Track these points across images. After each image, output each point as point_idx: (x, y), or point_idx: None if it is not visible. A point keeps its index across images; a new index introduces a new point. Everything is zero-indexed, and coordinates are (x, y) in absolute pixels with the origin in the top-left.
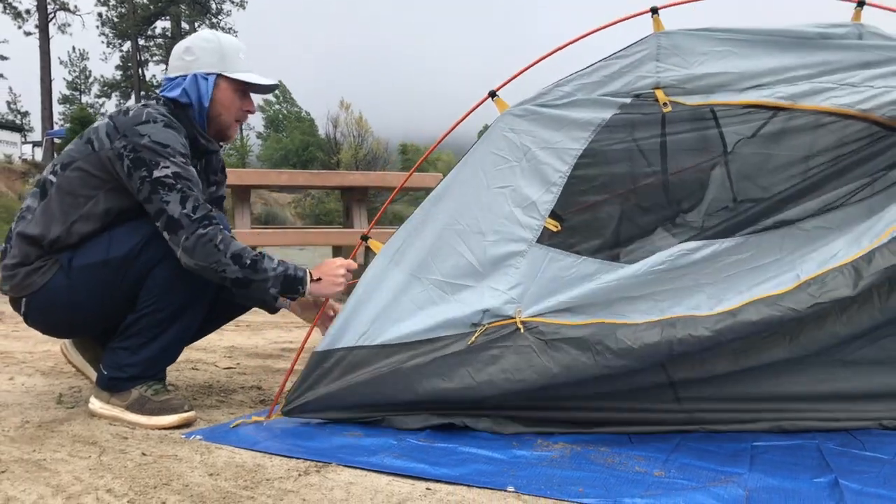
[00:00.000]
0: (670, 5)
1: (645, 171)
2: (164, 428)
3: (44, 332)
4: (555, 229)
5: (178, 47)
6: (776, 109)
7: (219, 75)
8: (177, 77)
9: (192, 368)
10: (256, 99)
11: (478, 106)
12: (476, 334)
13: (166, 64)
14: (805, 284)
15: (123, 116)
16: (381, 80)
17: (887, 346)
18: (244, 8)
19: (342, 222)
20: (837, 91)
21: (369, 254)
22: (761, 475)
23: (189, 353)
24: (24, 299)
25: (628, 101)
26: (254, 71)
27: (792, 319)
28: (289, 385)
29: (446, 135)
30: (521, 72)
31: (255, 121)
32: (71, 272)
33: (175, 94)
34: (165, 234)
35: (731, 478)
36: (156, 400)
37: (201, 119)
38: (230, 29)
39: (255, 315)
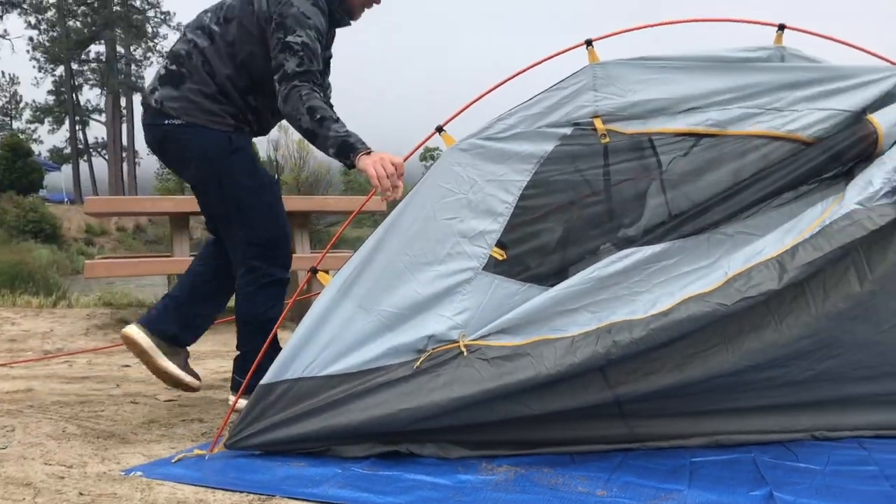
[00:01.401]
0: (604, 37)
1: (588, 200)
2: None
3: None
4: (500, 258)
5: None
6: (707, 136)
7: None
8: None
9: (132, 402)
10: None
11: (425, 141)
12: (421, 359)
13: (101, 88)
14: (732, 280)
15: None
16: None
17: (820, 360)
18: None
19: None
20: (765, 115)
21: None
22: (700, 491)
23: (128, 386)
24: None
25: (569, 131)
26: None
27: (723, 315)
28: (233, 417)
29: (410, 155)
30: (466, 107)
31: None
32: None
33: None
34: (276, 84)
35: (672, 494)
36: None
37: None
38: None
39: (198, 345)
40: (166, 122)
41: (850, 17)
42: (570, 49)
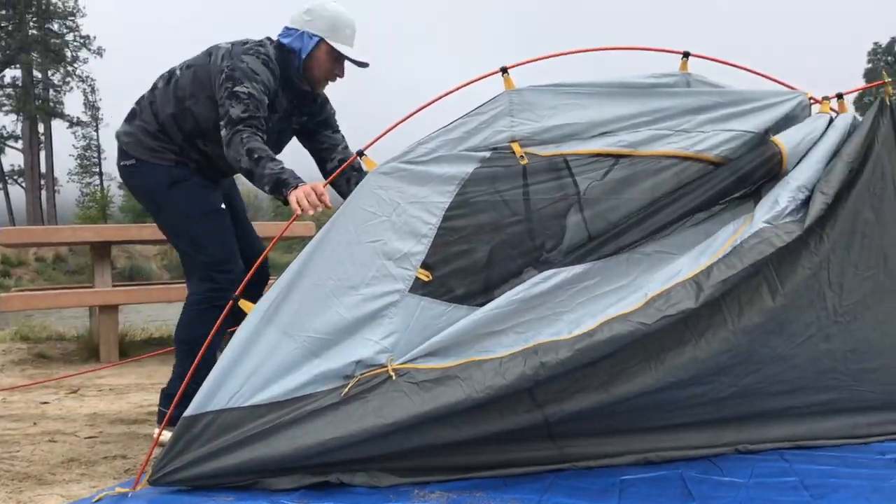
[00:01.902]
0: (518, 65)
1: (509, 220)
2: None
3: None
4: (426, 279)
5: (303, 7)
6: (620, 157)
7: (322, 39)
8: (293, 29)
9: (50, 440)
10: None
11: (346, 165)
12: (349, 385)
13: (17, 114)
14: (652, 300)
15: (240, 45)
16: None
17: (741, 375)
18: (101, 56)
19: None
20: (674, 137)
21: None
22: None
23: (46, 423)
24: None
25: (488, 154)
26: (354, 48)
27: (644, 334)
28: (157, 451)
29: (329, 181)
30: (386, 132)
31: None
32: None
33: (286, 40)
34: (222, 131)
35: None
36: None
37: (298, 65)
38: (87, 77)
39: (120, 378)
40: (122, 163)
41: (748, 48)
42: (486, 76)
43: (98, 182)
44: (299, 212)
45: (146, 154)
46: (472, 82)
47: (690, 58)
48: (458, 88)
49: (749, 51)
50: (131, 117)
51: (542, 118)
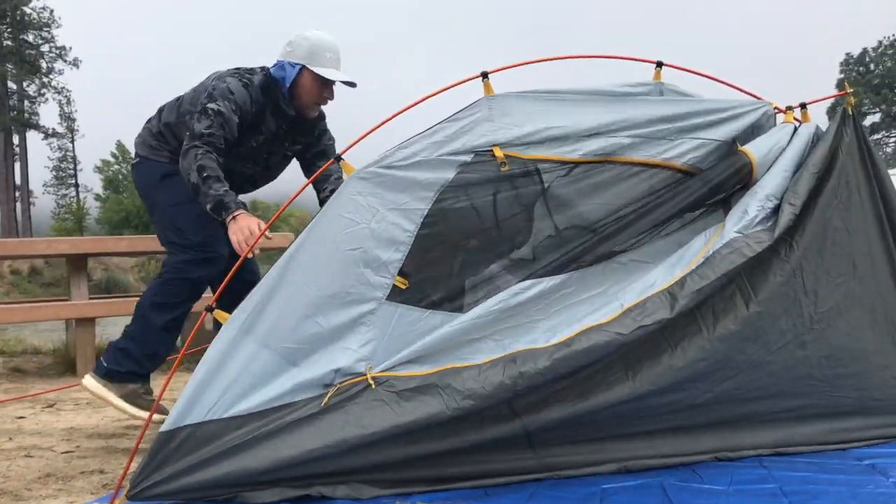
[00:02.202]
0: (499, 70)
1: (486, 226)
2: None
3: None
4: (403, 286)
5: (287, 39)
6: (595, 163)
7: (304, 66)
8: (280, 60)
9: (26, 455)
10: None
11: (322, 170)
12: (329, 395)
13: None
14: (628, 311)
15: (231, 70)
16: None
17: (717, 382)
18: (77, 67)
19: None
20: (644, 145)
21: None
22: None
23: (22, 438)
24: None
25: (468, 158)
26: (338, 67)
27: (621, 344)
28: (135, 466)
29: (295, 196)
30: (363, 137)
31: (94, 182)
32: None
33: (273, 71)
34: (184, 141)
35: None
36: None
37: (285, 94)
38: (63, 88)
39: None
40: (132, 162)
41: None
42: (466, 80)
43: (74, 194)
44: (235, 245)
45: (146, 151)
46: (452, 86)
47: (664, 67)
48: (438, 92)
49: (722, 62)
50: (146, 122)
51: (521, 123)
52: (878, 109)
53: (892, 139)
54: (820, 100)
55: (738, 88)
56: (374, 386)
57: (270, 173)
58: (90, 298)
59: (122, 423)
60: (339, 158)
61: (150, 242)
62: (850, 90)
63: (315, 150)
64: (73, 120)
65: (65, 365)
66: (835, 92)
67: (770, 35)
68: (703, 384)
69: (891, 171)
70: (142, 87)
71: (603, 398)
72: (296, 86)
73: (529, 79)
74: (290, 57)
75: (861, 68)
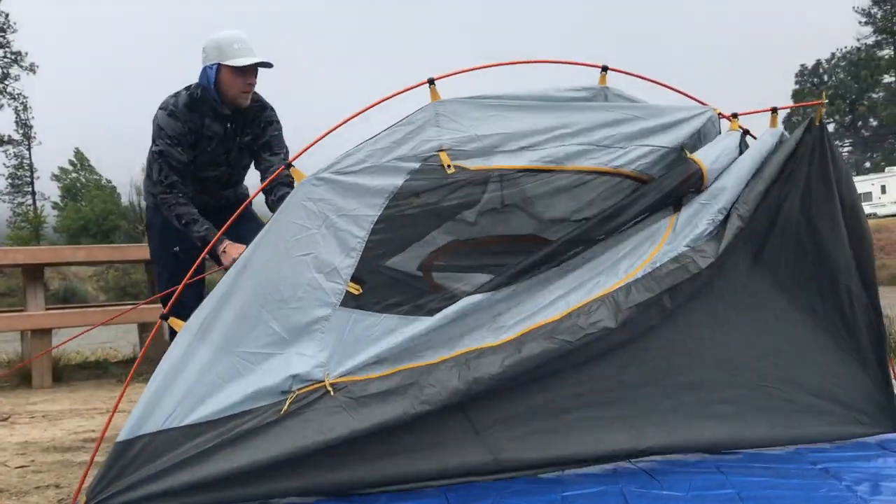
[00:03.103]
0: (445, 76)
1: (438, 233)
2: None
3: None
4: (356, 292)
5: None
6: (544, 171)
7: (219, 64)
8: (202, 68)
9: None
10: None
11: (275, 176)
12: (287, 402)
13: None
14: (574, 313)
15: (164, 100)
16: None
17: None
18: (34, 73)
19: (147, 296)
20: (594, 152)
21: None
22: None
23: None
24: None
25: (416, 165)
26: (251, 54)
27: (568, 351)
28: (90, 479)
29: (251, 199)
30: (311, 145)
31: (51, 190)
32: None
33: (199, 80)
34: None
35: None
36: None
37: (216, 95)
38: (19, 94)
39: (53, 403)
40: None
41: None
42: (413, 87)
43: (30, 202)
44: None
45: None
46: (399, 93)
47: (609, 72)
48: (385, 99)
49: (676, 71)
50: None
51: (468, 128)
52: (831, 120)
53: (846, 149)
54: (793, 106)
55: (682, 93)
56: (332, 392)
57: (235, 170)
58: (47, 309)
59: (79, 435)
60: (289, 165)
61: (110, 252)
62: (825, 101)
63: (260, 140)
64: (30, 127)
65: (20, 376)
66: (790, 102)
67: (724, 43)
68: (644, 378)
69: (856, 178)
70: (102, 96)
71: (548, 395)
72: (219, 83)
73: (478, 85)
74: (206, 61)
75: (815, 79)
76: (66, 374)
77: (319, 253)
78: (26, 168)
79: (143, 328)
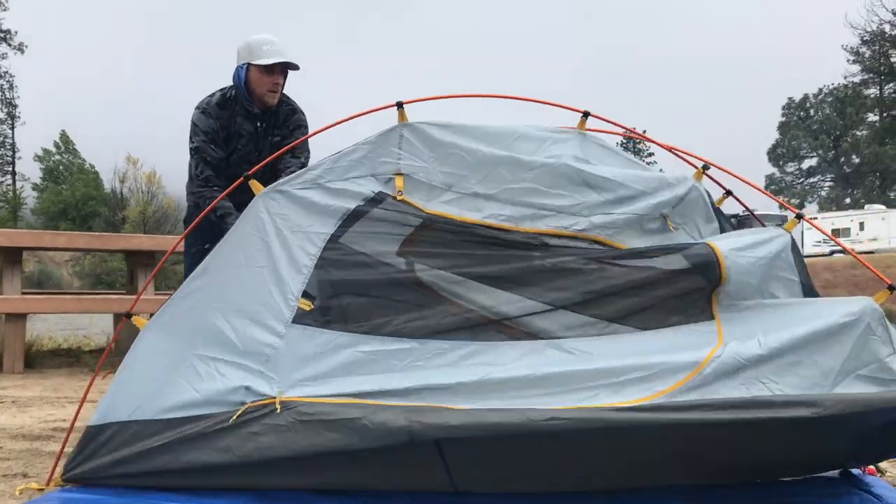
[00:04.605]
0: (415, 101)
1: (387, 259)
2: None
3: None
4: (307, 308)
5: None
6: (499, 230)
7: (249, 64)
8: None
9: None
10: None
11: (232, 189)
12: (238, 413)
13: None
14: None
15: (201, 100)
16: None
17: None
18: (22, 52)
19: (126, 286)
20: (557, 217)
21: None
22: None
23: None
24: None
25: (373, 189)
26: (280, 56)
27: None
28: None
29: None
30: (274, 157)
31: (33, 171)
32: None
33: (232, 80)
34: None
35: None
36: None
37: (246, 94)
38: (6, 73)
39: (24, 390)
40: None
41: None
42: (382, 108)
43: (10, 182)
44: None
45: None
46: (367, 112)
47: (589, 118)
48: (353, 117)
49: (660, 106)
50: None
51: (429, 160)
52: (815, 154)
53: (827, 183)
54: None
55: (661, 145)
56: (279, 410)
57: (268, 168)
58: (23, 293)
59: (49, 424)
60: (247, 178)
61: (90, 240)
62: (801, 213)
63: (286, 142)
64: (15, 106)
65: None
66: (777, 134)
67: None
68: None
69: (829, 214)
70: (91, 75)
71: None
72: (248, 83)
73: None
74: (239, 61)
75: (801, 113)
76: (38, 360)
77: (274, 266)
78: (8, 148)
79: (118, 320)
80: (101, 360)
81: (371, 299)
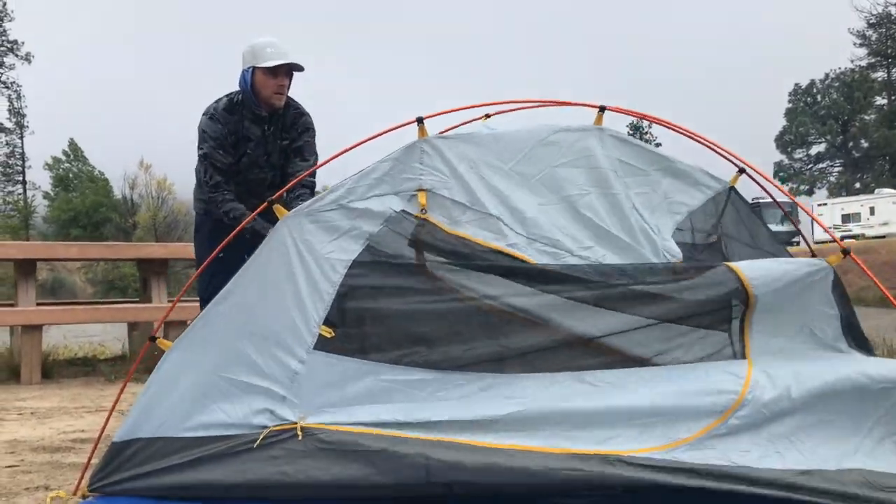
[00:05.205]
0: (434, 115)
1: (412, 284)
2: None
3: None
4: (329, 335)
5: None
6: (515, 259)
7: (254, 67)
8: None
9: None
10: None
11: (256, 213)
12: (261, 437)
13: None
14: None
15: (208, 106)
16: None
17: None
18: (29, 62)
19: (139, 293)
20: (569, 257)
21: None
22: None
23: None
24: None
25: (396, 207)
26: (284, 57)
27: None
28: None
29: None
30: (292, 185)
31: (43, 180)
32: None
33: (238, 85)
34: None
35: None
36: None
37: (252, 98)
38: (13, 83)
39: (42, 400)
40: None
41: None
42: (402, 126)
43: (21, 191)
44: None
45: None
46: (388, 131)
47: (606, 111)
48: (374, 137)
49: (671, 96)
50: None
51: (449, 174)
52: (823, 140)
53: (836, 169)
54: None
55: (686, 133)
56: (300, 436)
57: (278, 171)
58: (38, 304)
59: (69, 435)
60: (271, 203)
61: (102, 250)
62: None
63: (295, 145)
64: (23, 116)
65: (9, 371)
66: (783, 121)
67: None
68: None
69: (839, 200)
70: (100, 85)
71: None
72: (254, 85)
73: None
74: (244, 65)
75: (808, 98)
76: (55, 370)
77: (297, 291)
78: (18, 157)
79: (133, 326)
80: (129, 375)
81: (392, 328)
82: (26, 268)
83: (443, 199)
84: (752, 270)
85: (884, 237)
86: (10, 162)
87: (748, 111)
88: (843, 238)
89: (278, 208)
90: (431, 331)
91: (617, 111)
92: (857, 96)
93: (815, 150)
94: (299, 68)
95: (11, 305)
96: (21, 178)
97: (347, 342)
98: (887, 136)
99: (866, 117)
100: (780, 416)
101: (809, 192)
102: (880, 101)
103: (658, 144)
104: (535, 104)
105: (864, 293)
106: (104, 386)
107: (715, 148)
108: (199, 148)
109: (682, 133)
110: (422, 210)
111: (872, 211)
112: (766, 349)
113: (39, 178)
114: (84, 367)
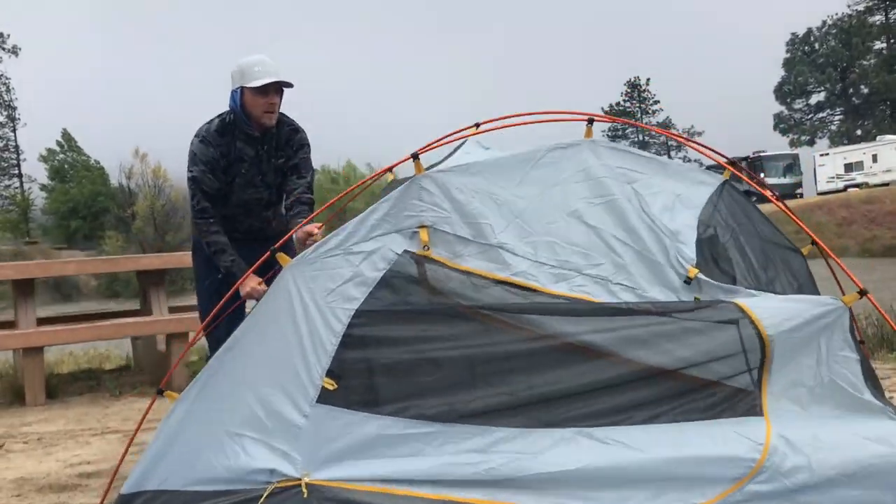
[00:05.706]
0: (427, 149)
1: (415, 333)
2: None
3: None
4: (331, 388)
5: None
6: (522, 288)
7: (242, 87)
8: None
9: None
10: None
11: (261, 261)
12: (266, 493)
13: None
14: None
15: (200, 128)
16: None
17: None
18: (17, 55)
19: (140, 303)
20: (577, 278)
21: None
22: None
23: None
24: None
25: (397, 255)
26: (272, 75)
27: None
28: None
29: (292, 233)
30: (300, 227)
31: (39, 172)
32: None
33: (229, 106)
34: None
35: None
36: None
37: (244, 118)
38: (2, 75)
39: (47, 424)
40: None
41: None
42: (399, 163)
43: (17, 184)
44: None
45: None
46: (383, 172)
47: (594, 123)
48: (378, 175)
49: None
50: None
51: (449, 208)
52: (822, 88)
53: (837, 117)
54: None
55: (681, 139)
56: (305, 494)
57: (273, 191)
58: (38, 327)
59: (75, 469)
60: (274, 251)
61: (100, 265)
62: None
63: (290, 163)
64: (14, 108)
65: (12, 393)
66: (782, 71)
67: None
68: None
69: (841, 149)
70: (94, 74)
71: None
72: (245, 106)
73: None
74: (232, 86)
75: (806, 47)
76: (59, 388)
77: (300, 342)
78: (12, 150)
79: (135, 340)
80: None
81: (396, 378)
82: (23, 287)
83: (444, 234)
84: (763, 310)
85: (887, 184)
86: (5, 155)
87: (744, 66)
88: (846, 187)
89: (282, 256)
90: (437, 380)
91: (604, 120)
92: (856, 42)
93: (814, 99)
94: (289, 85)
95: (11, 324)
96: (17, 172)
97: (351, 394)
98: (887, 80)
99: (865, 63)
100: (796, 492)
101: (811, 143)
102: (879, 45)
103: (656, 102)
104: (524, 120)
105: (870, 244)
106: (109, 402)
107: (702, 150)
108: (189, 171)
109: (672, 137)
110: (424, 247)
111: (875, 158)
112: (784, 405)
113: (34, 170)
114: (88, 382)
